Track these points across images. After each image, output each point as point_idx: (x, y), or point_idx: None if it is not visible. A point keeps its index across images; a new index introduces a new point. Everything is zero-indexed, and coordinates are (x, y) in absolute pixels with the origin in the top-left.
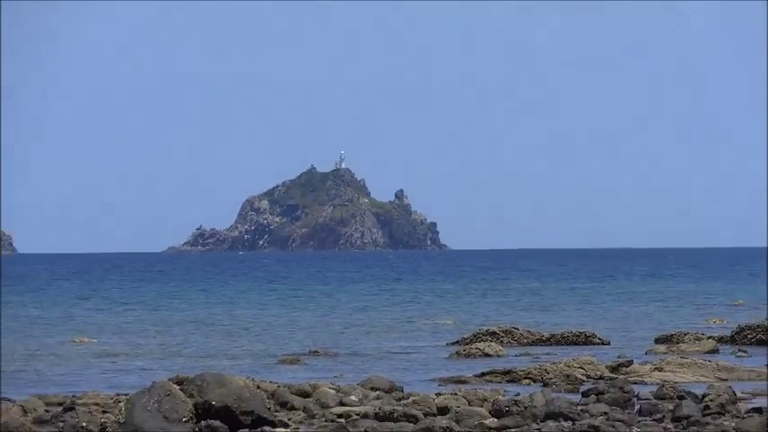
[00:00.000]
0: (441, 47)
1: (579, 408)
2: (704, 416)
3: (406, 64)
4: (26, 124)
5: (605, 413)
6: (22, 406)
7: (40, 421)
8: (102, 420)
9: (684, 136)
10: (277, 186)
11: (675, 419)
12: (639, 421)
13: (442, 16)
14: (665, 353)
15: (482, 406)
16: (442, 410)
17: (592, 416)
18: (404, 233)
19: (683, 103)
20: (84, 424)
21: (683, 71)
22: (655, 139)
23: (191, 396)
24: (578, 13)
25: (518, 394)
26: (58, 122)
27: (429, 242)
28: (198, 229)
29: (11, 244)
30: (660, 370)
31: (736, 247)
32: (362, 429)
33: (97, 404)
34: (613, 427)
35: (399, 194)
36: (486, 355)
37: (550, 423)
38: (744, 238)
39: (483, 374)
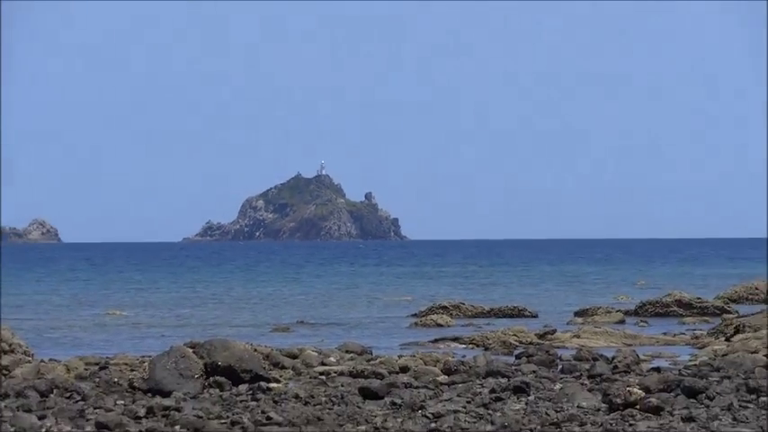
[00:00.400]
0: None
1: (513, 367)
2: (613, 374)
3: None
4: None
5: (534, 371)
6: (65, 365)
7: (80, 377)
8: (130, 377)
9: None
10: (270, 189)
11: (591, 377)
12: (562, 378)
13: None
14: (582, 323)
15: (435, 366)
16: (404, 369)
17: (523, 374)
18: (372, 226)
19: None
20: (115, 380)
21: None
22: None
23: (201, 357)
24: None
25: (464, 356)
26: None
27: (392, 234)
28: (207, 223)
29: (56, 235)
30: (578, 337)
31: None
32: (339, 384)
33: (126, 364)
34: (540, 383)
35: (368, 195)
36: (439, 325)
37: (490, 380)
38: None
39: (436, 340)
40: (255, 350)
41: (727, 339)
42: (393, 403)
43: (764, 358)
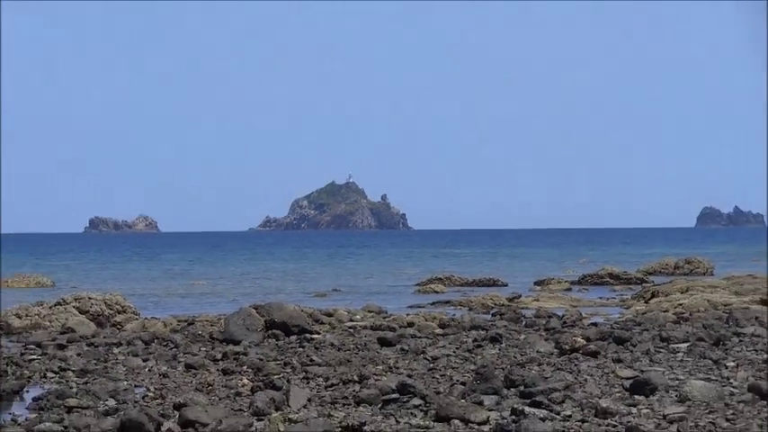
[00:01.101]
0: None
1: (490, 323)
2: (563, 327)
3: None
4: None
5: (505, 326)
6: (163, 322)
7: (173, 331)
8: (210, 331)
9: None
10: (312, 192)
11: (546, 329)
12: (525, 330)
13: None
14: (539, 290)
15: (433, 321)
16: (410, 324)
17: (497, 328)
18: (386, 220)
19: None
20: (199, 332)
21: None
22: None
23: (262, 316)
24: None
25: (454, 315)
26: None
27: (401, 225)
28: (266, 217)
29: (156, 226)
30: (537, 300)
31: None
32: (363, 335)
33: (207, 321)
34: (510, 334)
35: (383, 197)
36: (435, 291)
37: (473, 332)
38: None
39: (434, 303)
40: (302, 310)
41: (646, 302)
42: (402, 349)
43: (673, 316)
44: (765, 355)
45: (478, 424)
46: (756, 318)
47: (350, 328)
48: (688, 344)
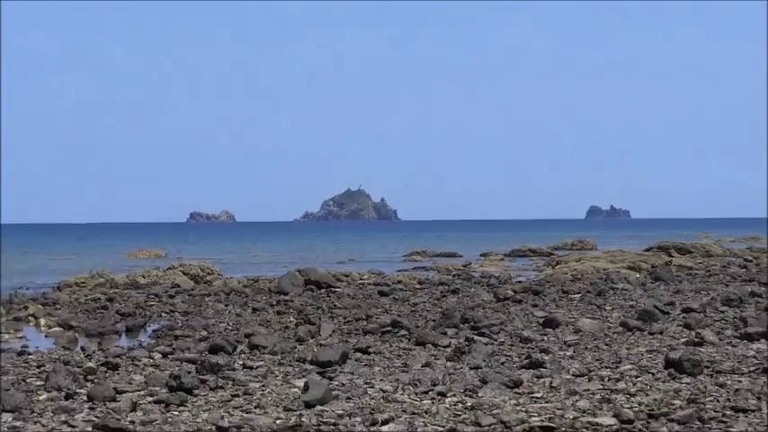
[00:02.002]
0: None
1: (451, 281)
2: (499, 284)
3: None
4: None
5: (461, 283)
6: (238, 280)
7: (244, 286)
8: (269, 286)
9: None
10: (336, 195)
11: (488, 285)
12: (474, 285)
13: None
14: (484, 260)
15: (414, 280)
16: (399, 281)
17: (456, 284)
18: (384, 214)
19: None
20: (262, 287)
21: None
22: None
23: (302, 276)
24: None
25: (428, 276)
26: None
27: (393, 218)
28: (306, 212)
29: (234, 217)
30: (482, 266)
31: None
32: (369, 289)
33: (267, 279)
34: (465, 289)
35: (383, 199)
36: (415, 260)
37: (440, 287)
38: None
39: (414, 268)
40: (329, 272)
41: (552, 267)
42: (394, 298)
43: (570, 276)
44: (631, 302)
45: (444, 347)
46: (625, 278)
47: (360, 284)
48: (580, 294)
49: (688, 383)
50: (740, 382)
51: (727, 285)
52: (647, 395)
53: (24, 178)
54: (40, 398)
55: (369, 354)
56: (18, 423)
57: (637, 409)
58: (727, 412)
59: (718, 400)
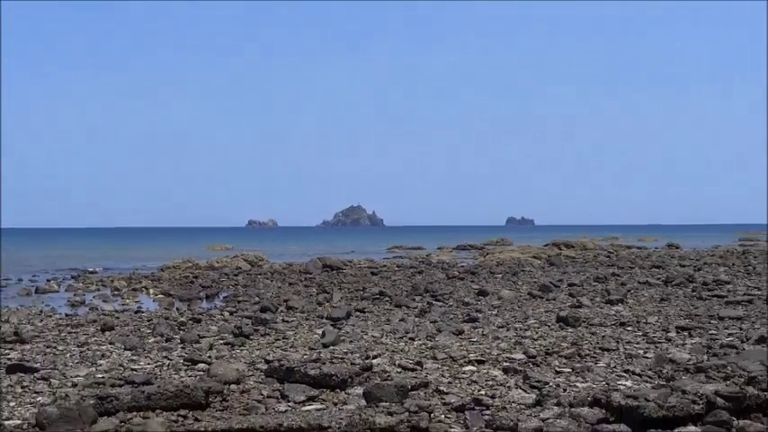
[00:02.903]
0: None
1: (418, 265)
2: (450, 268)
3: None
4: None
5: (424, 266)
6: (279, 264)
7: (283, 269)
8: (300, 269)
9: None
10: (345, 209)
11: (442, 269)
12: (433, 269)
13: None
14: (439, 251)
15: (394, 265)
16: (384, 266)
17: (420, 267)
18: (374, 222)
19: None
20: (294, 270)
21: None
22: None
23: (321, 262)
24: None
25: (403, 262)
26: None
27: (381, 224)
28: (323, 220)
29: (276, 223)
30: (438, 256)
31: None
32: (364, 270)
33: (299, 265)
34: (426, 271)
35: (374, 212)
36: (395, 252)
37: (410, 269)
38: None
39: (394, 257)
40: (338, 260)
41: (484, 257)
42: (381, 277)
43: (495, 263)
44: (534, 279)
45: (413, 308)
46: (530, 263)
47: (358, 267)
48: (501, 275)
49: (571, 332)
50: (605, 331)
51: (596, 269)
52: (545, 340)
53: (126, 189)
54: (149, 341)
55: (364, 312)
56: (135, 357)
57: (538, 348)
58: (597, 351)
59: (590, 343)
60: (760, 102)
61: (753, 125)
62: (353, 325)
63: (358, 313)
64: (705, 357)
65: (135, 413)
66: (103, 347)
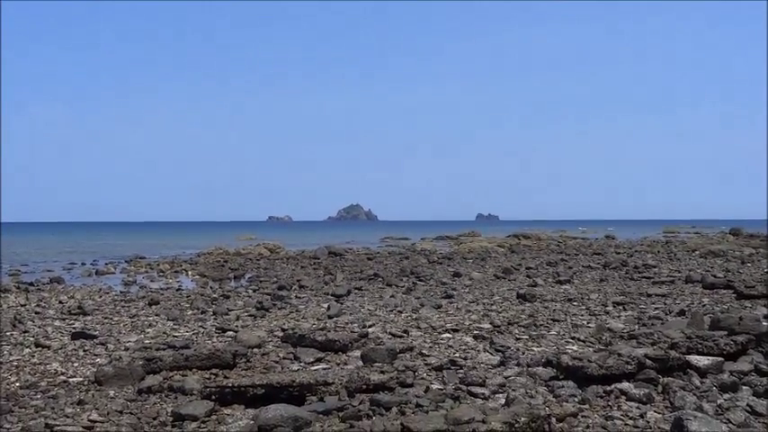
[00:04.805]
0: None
1: (406, 252)
2: (430, 254)
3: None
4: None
5: (410, 253)
6: (293, 251)
7: (296, 255)
8: (310, 254)
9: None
10: (346, 206)
11: (424, 255)
12: (418, 255)
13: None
14: (422, 241)
15: (385, 252)
16: (378, 253)
17: (407, 254)
18: (369, 217)
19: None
20: (306, 255)
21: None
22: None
23: (328, 249)
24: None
25: (393, 250)
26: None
27: (376, 219)
28: (329, 216)
29: (291, 218)
30: (421, 245)
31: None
32: (362, 256)
33: (309, 251)
34: (412, 256)
35: (370, 209)
36: (386, 242)
37: (399, 255)
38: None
39: (386, 246)
40: (341, 248)
41: (458, 246)
42: (375, 261)
43: (468, 250)
44: (499, 264)
45: (401, 287)
46: (496, 251)
47: (357, 254)
48: (472, 260)
49: (529, 306)
50: (555, 305)
51: (549, 255)
52: (507, 312)
53: (161, 187)
54: (188, 313)
55: (362, 290)
56: (176, 326)
57: (502, 319)
58: (549, 321)
59: (544, 315)
60: (675, 126)
61: (670, 146)
62: (353, 300)
63: (357, 291)
64: (636, 327)
65: (175, 372)
66: (150, 318)
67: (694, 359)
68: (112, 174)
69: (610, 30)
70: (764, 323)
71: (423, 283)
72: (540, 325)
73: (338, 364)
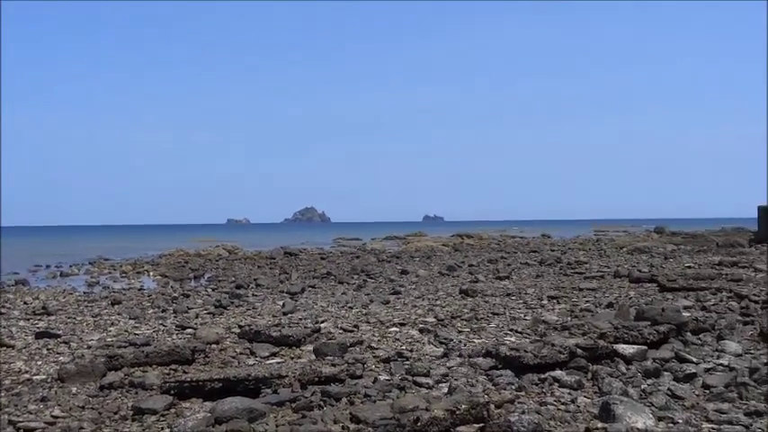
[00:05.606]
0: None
1: (357, 252)
2: (380, 253)
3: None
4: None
5: (361, 252)
6: (251, 252)
7: (253, 255)
8: (266, 255)
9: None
10: (301, 209)
11: (373, 254)
12: (368, 254)
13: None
14: (373, 241)
15: (338, 251)
16: (330, 252)
17: (358, 253)
18: (324, 219)
19: None
20: (262, 255)
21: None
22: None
23: (283, 249)
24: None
25: (344, 249)
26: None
27: (329, 221)
28: (285, 218)
29: (249, 221)
30: (371, 245)
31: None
32: (315, 256)
33: (266, 252)
34: (362, 255)
35: (324, 212)
36: (338, 242)
37: (351, 255)
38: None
39: (338, 246)
40: (296, 248)
41: (406, 245)
42: (328, 261)
43: (415, 249)
44: (443, 262)
45: (351, 284)
46: (441, 250)
47: (311, 253)
48: (419, 258)
49: (471, 301)
50: (495, 300)
51: (489, 253)
52: (451, 307)
53: (126, 192)
54: (149, 312)
55: (315, 288)
56: (137, 325)
57: (445, 314)
58: (489, 315)
59: (484, 309)
60: (605, 129)
61: (600, 149)
62: (307, 298)
63: (310, 289)
64: (569, 319)
65: (136, 368)
66: (113, 317)
67: (621, 348)
68: (73, 178)
69: (560, 32)
70: (685, 314)
71: (372, 281)
72: (481, 318)
73: (292, 358)
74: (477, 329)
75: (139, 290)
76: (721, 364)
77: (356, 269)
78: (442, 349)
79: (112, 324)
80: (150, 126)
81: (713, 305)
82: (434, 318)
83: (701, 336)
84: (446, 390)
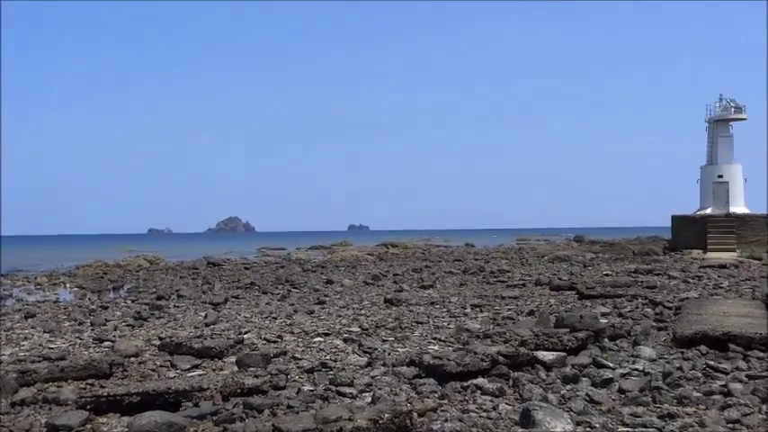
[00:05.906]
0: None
1: (280, 261)
2: (304, 262)
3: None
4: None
5: (286, 262)
6: (172, 262)
7: (175, 266)
8: (189, 265)
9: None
10: (224, 218)
11: (299, 263)
12: (292, 264)
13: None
14: (298, 251)
15: (262, 261)
16: (255, 262)
17: (282, 263)
18: (249, 229)
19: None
20: (185, 266)
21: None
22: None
23: (206, 260)
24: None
25: (269, 260)
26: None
27: (253, 230)
28: (208, 227)
29: (170, 229)
30: (297, 254)
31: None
32: (239, 266)
33: (188, 263)
34: (287, 265)
35: (248, 222)
36: (263, 252)
37: (275, 265)
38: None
39: (263, 256)
40: (220, 258)
41: (331, 254)
42: (252, 271)
43: (340, 259)
44: (369, 271)
45: (276, 294)
46: (366, 259)
47: (235, 264)
48: (344, 268)
49: (395, 310)
50: (419, 309)
51: (414, 262)
52: (376, 316)
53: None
54: (65, 325)
55: (239, 299)
56: (52, 338)
57: (370, 323)
58: (413, 324)
59: (409, 318)
60: (525, 139)
61: (517, 159)
62: (230, 308)
63: (234, 299)
64: (491, 327)
65: (51, 383)
66: (26, 331)
67: (541, 354)
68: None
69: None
70: (602, 320)
71: (297, 291)
72: (405, 327)
73: (214, 370)
74: (402, 338)
75: (55, 302)
76: (636, 369)
77: (281, 279)
78: (366, 359)
79: (26, 338)
80: (75, 132)
81: (629, 312)
82: (359, 327)
83: (617, 341)
84: (370, 399)
